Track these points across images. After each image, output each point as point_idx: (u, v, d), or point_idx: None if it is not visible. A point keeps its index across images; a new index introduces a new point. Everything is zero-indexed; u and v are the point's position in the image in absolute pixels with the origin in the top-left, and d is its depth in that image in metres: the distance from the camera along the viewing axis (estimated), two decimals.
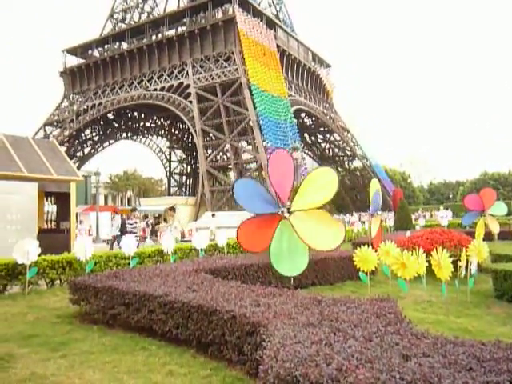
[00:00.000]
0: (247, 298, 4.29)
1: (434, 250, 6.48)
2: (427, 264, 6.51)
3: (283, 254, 5.76)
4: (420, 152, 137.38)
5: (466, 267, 7.15)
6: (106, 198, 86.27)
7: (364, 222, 31.03)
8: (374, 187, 9.81)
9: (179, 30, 53.83)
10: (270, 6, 64.33)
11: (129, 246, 9.05)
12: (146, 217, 26.16)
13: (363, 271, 7.03)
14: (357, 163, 66.91)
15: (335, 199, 67.20)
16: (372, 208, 9.70)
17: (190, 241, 12.45)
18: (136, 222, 12.69)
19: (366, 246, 7.15)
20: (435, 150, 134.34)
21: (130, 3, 62.84)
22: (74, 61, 60.98)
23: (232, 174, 49.83)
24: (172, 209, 14.29)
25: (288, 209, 5.78)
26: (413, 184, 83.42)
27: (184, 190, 71.79)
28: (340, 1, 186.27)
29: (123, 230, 13.21)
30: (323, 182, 5.84)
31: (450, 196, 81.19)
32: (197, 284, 5.23)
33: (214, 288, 4.88)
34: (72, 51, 60.68)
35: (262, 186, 6.11)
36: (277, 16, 62.13)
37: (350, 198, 66.06)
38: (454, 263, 6.50)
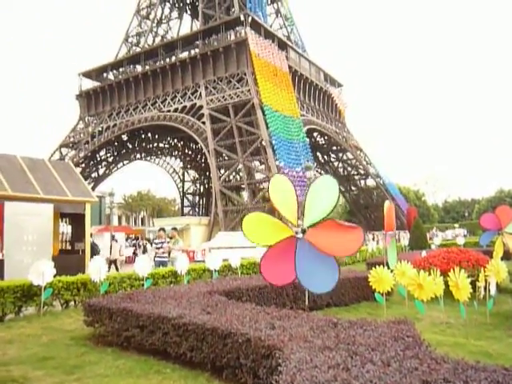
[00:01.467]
0: (262, 320, 4.25)
1: (451, 270, 6.37)
2: (444, 285, 6.39)
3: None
4: (434, 169, 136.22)
5: (485, 288, 7.01)
6: (119, 218, 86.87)
7: (378, 242, 30.73)
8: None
9: (192, 52, 54.65)
10: (281, 27, 65.19)
11: (143, 267, 9.06)
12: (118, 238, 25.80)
13: (379, 292, 6.93)
14: (370, 182, 66.61)
15: (349, 218, 66.98)
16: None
17: (203, 261, 12.45)
18: (162, 242, 12.76)
19: (381, 266, 7.06)
20: (449, 167, 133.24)
21: (144, 27, 64.17)
22: (89, 84, 62.19)
23: (245, 194, 49.86)
24: (175, 229, 14.24)
25: (301, 229, 5.76)
26: (427, 202, 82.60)
27: (197, 209, 72.00)
28: (351, 21, 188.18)
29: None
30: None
31: (466, 214, 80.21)
32: (211, 306, 5.20)
33: (229, 310, 4.84)
34: (88, 74, 61.89)
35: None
36: (288, 37, 62.83)
37: (363, 216, 65.61)
38: (472, 283, 6.38)
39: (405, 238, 30.43)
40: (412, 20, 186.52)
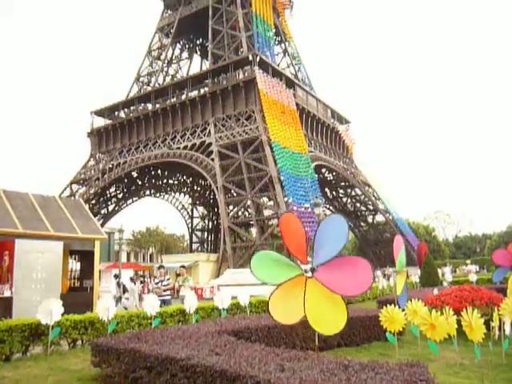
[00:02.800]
0: (271, 362, 4.18)
1: (464, 309, 6.25)
2: (457, 324, 6.26)
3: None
4: (443, 204, 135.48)
5: (499, 327, 6.85)
6: (128, 254, 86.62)
7: (389, 278, 30.31)
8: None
9: (202, 90, 55.80)
10: (288, 66, 66.65)
11: (151, 305, 8.99)
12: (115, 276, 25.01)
13: (390, 332, 6.80)
14: (379, 217, 66.29)
15: (358, 254, 66.36)
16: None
17: (212, 299, 12.32)
18: (161, 280, 12.62)
19: (393, 304, 6.96)
20: (459, 201, 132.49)
21: (155, 67, 65.96)
22: (101, 121, 63.44)
23: (254, 230, 49.75)
24: (183, 267, 14.09)
25: (310, 267, 5.72)
26: (438, 237, 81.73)
27: (206, 246, 71.83)
28: (357, 59, 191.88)
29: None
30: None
31: (477, 250, 79.13)
32: (220, 347, 5.13)
33: (238, 351, 4.77)
34: (99, 113, 63.25)
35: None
36: (295, 75, 64.10)
37: (373, 252, 64.95)
38: (486, 323, 6.24)
39: (415, 274, 29.99)
40: (418, 57, 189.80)
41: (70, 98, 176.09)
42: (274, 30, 63.93)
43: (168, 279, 12.89)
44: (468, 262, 54.20)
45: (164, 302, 11.76)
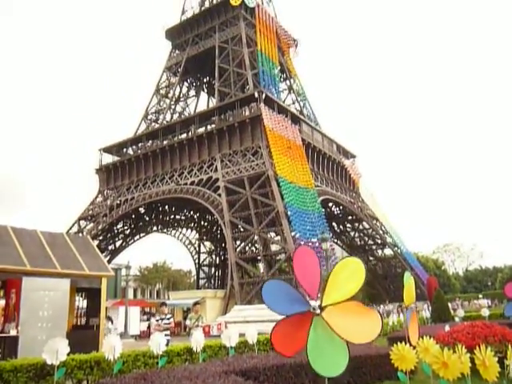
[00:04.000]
0: None
1: (477, 346, 6.11)
2: (470, 361, 6.10)
3: (321, 354, 5.52)
4: (453, 237, 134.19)
5: None
6: (135, 291, 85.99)
7: (399, 314, 29.75)
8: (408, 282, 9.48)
9: (208, 127, 56.63)
10: (294, 102, 67.69)
11: (158, 344, 8.87)
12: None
13: (402, 370, 6.64)
14: (388, 251, 65.66)
15: (367, 289, 65.34)
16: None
17: (219, 336, 12.12)
18: (162, 319, 12.31)
19: (403, 341, 6.81)
20: (468, 234, 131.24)
21: (163, 105, 67.22)
22: (109, 158, 64.16)
23: (261, 266, 49.37)
24: (197, 303, 13.74)
25: (319, 305, 5.65)
26: (447, 271, 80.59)
27: (213, 282, 71.19)
28: (362, 93, 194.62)
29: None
30: (349, 273, 5.73)
31: (489, 283, 77.80)
32: None
33: None
34: (108, 150, 64.09)
35: (289, 285, 6.04)
36: (301, 111, 64.99)
37: (382, 287, 64.01)
38: (501, 360, 6.08)
39: (426, 309, 29.45)
40: (422, 90, 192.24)
41: (79, 136, 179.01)
42: (279, 68, 65.30)
43: (169, 318, 12.48)
44: (480, 296, 53.25)
45: None
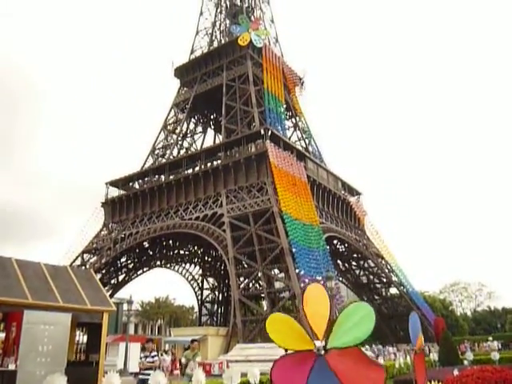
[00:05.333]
0: None
1: None
2: None
3: None
4: (460, 275, 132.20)
5: None
6: (136, 326, 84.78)
7: (406, 355, 29.06)
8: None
9: (214, 163, 57.09)
10: (299, 139, 68.37)
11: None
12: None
13: None
14: (393, 290, 64.69)
15: (373, 329, 63.95)
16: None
17: (221, 375, 11.84)
18: (146, 356, 11.87)
19: None
20: (476, 273, 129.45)
21: (170, 141, 68.08)
22: (115, 192, 64.51)
23: (265, 304, 48.68)
24: (195, 341, 13.30)
25: (324, 346, 5.53)
26: (455, 312, 79.00)
27: (215, 319, 70.14)
28: (366, 130, 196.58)
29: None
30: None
31: (498, 325, 76.08)
32: None
33: None
34: (114, 184, 64.56)
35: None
36: (306, 149, 65.55)
37: (388, 327, 62.68)
38: None
39: (433, 351, 28.75)
40: (427, 126, 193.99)
41: (83, 169, 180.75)
42: (284, 106, 66.29)
43: (154, 356, 11.87)
44: (490, 338, 52.02)
45: (143, 382, 10.75)
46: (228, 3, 76.29)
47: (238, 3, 75.02)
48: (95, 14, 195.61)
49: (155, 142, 68.19)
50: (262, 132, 51.94)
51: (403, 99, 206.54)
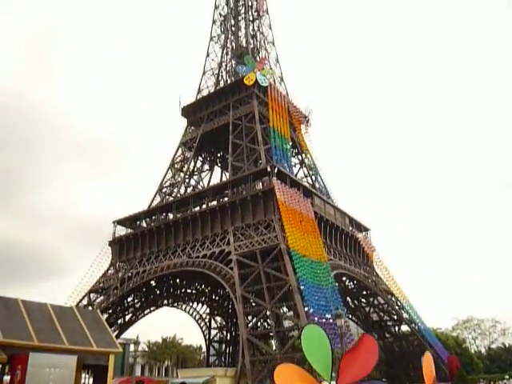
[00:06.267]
0: None
1: None
2: None
3: None
4: (473, 311, 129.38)
5: None
6: (143, 367, 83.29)
7: None
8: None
9: (221, 200, 57.29)
10: (306, 176, 68.70)
11: None
12: None
13: None
14: (404, 328, 63.29)
15: (385, 368, 62.23)
16: None
17: None
18: None
19: None
20: (490, 310, 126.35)
21: (177, 179, 68.66)
22: (123, 231, 64.59)
23: (274, 343, 47.75)
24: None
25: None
26: (469, 349, 76.80)
27: (223, 359, 68.81)
28: (374, 168, 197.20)
29: None
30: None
31: None
32: None
33: None
34: (122, 222, 64.75)
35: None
36: (313, 185, 65.75)
37: (400, 366, 61.01)
38: None
39: None
40: (435, 160, 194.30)
41: (94, 208, 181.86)
42: (290, 143, 67.00)
43: None
44: (506, 377, 50.46)
45: None
46: (234, 44, 78.39)
47: (244, 44, 77.04)
48: (102, 59, 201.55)
49: (162, 180, 68.79)
50: (269, 169, 52.31)
51: (412, 132, 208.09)
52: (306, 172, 69.28)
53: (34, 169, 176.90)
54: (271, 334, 46.44)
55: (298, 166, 70.03)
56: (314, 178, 68.45)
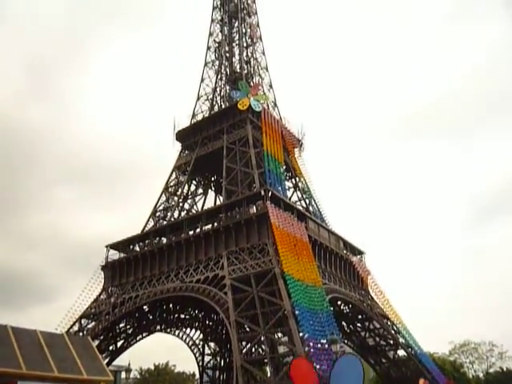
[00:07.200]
0: None
1: None
2: None
3: None
4: (469, 336, 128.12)
5: None
6: None
7: None
8: None
9: (215, 224, 57.10)
10: (299, 200, 68.80)
11: None
12: None
13: None
14: (401, 352, 62.54)
15: None
16: None
17: None
18: None
19: None
20: (487, 333, 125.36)
21: (171, 203, 68.54)
22: (115, 255, 63.95)
23: (268, 369, 46.97)
24: None
25: None
26: (467, 374, 75.87)
27: None
28: (368, 191, 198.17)
29: None
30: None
31: None
32: None
33: None
34: (115, 247, 64.21)
35: None
36: (307, 209, 65.80)
37: None
38: None
39: None
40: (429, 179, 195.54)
41: (79, 231, 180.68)
42: (284, 167, 67.31)
43: None
44: None
45: None
46: (228, 70, 79.43)
47: (238, 70, 78.09)
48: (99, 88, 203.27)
49: (156, 204, 68.63)
50: (263, 193, 52.39)
51: (405, 154, 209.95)
52: (300, 195, 69.45)
53: (25, 192, 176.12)
54: (266, 360, 45.70)
55: (292, 189, 70.23)
56: (307, 201, 68.57)
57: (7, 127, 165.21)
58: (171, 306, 64.28)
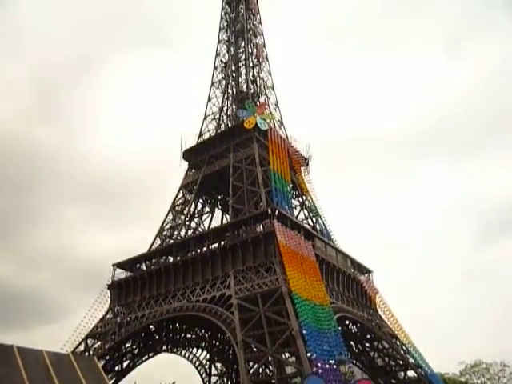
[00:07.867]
0: None
1: None
2: None
3: None
4: (480, 356, 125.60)
5: None
6: None
7: None
8: None
9: (222, 243, 56.98)
10: (306, 218, 68.63)
11: None
12: None
13: None
14: (411, 373, 61.36)
15: None
16: None
17: None
18: None
19: None
20: (498, 353, 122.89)
21: (178, 221, 68.61)
22: (122, 274, 63.75)
23: None
24: None
25: None
26: None
27: None
28: (373, 210, 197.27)
29: None
30: None
31: None
32: None
33: None
34: (121, 266, 64.11)
35: None
36: (314, 227, 65.57)
37: None
38: None
39: None
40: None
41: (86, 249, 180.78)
42: (291, 185, 67.36)
43: None
44: None
45: None
46: (234, 90, 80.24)
47: (244, 89, 78.83)
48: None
49: (163, 222, 68.70)
50: (269, 212, 52.34)
51: (414, 172, 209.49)
52: (307, 214, 69.29)
53: (32, 211, 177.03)
54: (273, 380, 45.04)
55: (299, 208, 70.13)
56: (314, 219, 68.38)
57: (16, 144, 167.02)
58: (177, 325, 63.84)
